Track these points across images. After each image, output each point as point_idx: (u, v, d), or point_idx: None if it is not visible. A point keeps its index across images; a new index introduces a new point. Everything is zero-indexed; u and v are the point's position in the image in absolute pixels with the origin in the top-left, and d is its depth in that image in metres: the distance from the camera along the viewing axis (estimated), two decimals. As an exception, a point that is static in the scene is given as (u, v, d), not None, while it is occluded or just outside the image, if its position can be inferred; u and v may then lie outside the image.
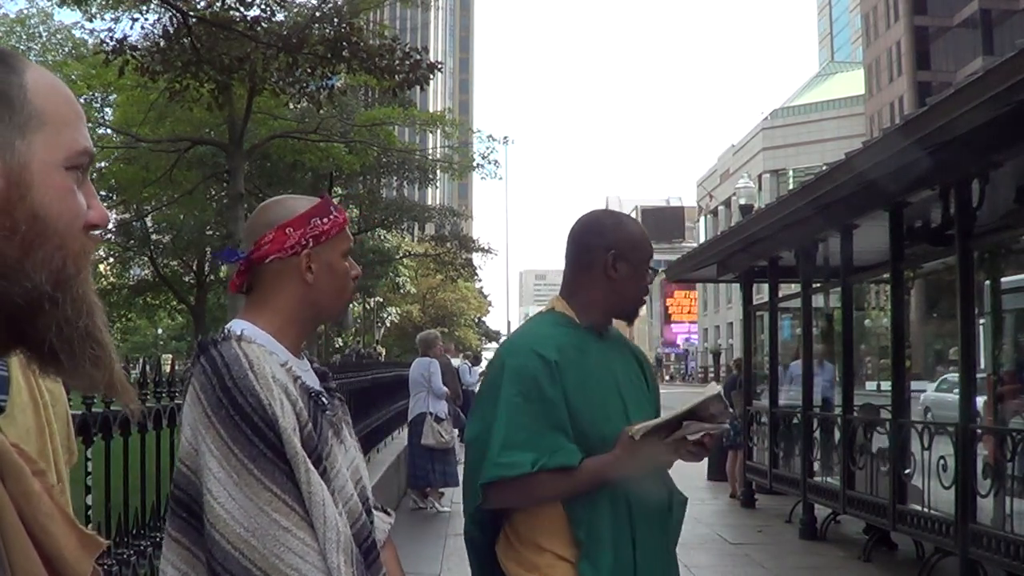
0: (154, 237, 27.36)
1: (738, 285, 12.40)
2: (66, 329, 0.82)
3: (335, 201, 1.92)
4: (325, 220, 1.80)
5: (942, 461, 6.34)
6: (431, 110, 35.35)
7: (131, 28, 23.15)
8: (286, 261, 1.77)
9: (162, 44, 14.28)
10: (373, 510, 1.85)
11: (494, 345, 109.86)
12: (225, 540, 1.54)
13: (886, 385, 7.60)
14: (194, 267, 29.28)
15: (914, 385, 8.20)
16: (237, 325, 1.74)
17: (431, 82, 15.90)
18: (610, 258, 2.32)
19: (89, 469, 2.52)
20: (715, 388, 2.21)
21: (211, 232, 26.23)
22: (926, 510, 6.57)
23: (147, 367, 3.08)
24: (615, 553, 2.20)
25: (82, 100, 16.17)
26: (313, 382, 1.79)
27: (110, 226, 22.67)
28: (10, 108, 0.82)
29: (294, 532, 1.55)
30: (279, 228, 1.77)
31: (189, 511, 1.64)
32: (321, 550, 1.57)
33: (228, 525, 1.54)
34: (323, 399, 1.76)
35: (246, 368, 1.60)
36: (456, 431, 11.66)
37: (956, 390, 6.65)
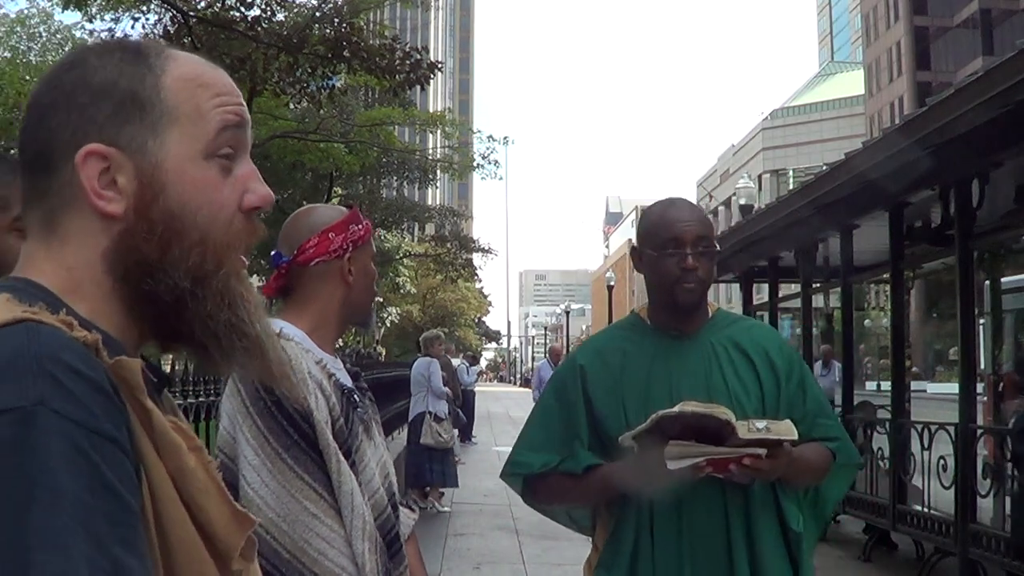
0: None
1: (738, 285, 12.41)
2: (210, 323, 0.84)
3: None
4: (360, 227, 1.93)
5: (942, 461, 6.34)
6: (431, 110, 35.31)
7: (131, 28, 23.09)
8: (329, 264, 1.88)
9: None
10: (399, 506, 1.93)
11: (494, 345, 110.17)
12: (258, 524, 1.60)
13: (886, 385, 7.59)
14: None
15: (914, 385, 8.20)
16: (276, 323, 1.82)
17: (431, 82, 15.90)
18: (635, 253, 2.33)
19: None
20: (688, 406, 1.98)
21: (211, 232, 26.22)
22: (926, 510, 6.57)
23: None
24: (634, 567, 2.15)
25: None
26: (347, 380, 1.88)
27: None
28: (141, 109, 0.84)
29: (322, 519, 1.65)
30: (322, 233, 1.88)
31: None
32: (347, 537, 1.66)
33: (261, 510, 1.63)
34: (355, 397, 1.85)
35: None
36: (456, 431, 11.67)
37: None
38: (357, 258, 1.91)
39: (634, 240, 2.40)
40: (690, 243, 2.19)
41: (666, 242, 2.21)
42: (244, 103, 0.92)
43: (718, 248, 2.29)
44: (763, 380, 2.21)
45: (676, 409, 1.99)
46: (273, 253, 1.91)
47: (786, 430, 2.04)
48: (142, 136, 0.83)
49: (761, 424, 2.02)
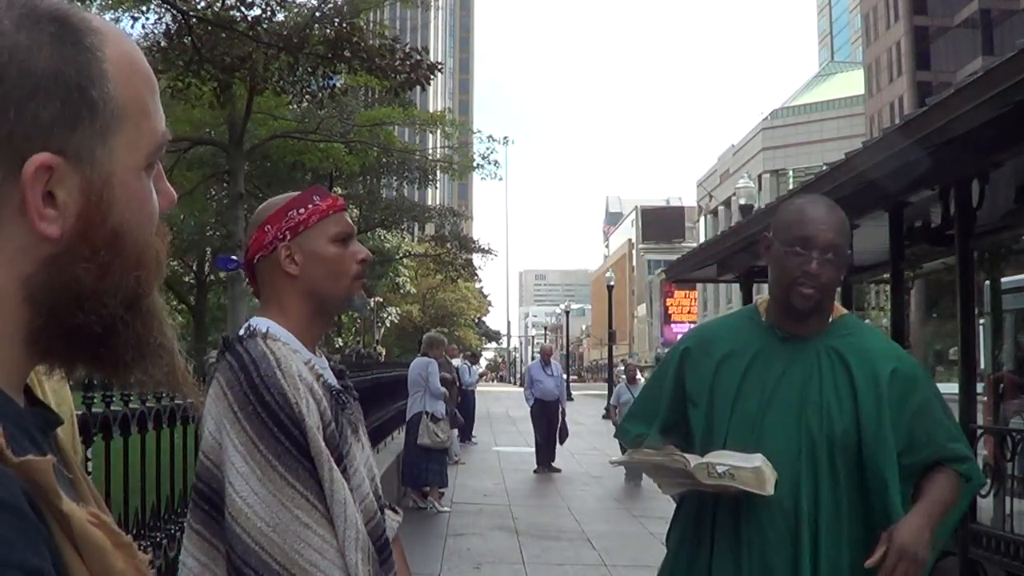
0: (154, 237, 27.31)
1: (738, 285, 12.40)
2: (139, 346, 0.74)
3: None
4: (302, 210, 1.81)
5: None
6: (431, 110, 35.37)
7: (132, 28, 23.16)
8: (269, 258, 1.80)
9: (163, 44, 14.30)
10: (384, 508, 1.89)
11: (494, 345, 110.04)
12: (246, 534, 1.57)
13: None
14: (194, 267, 29.33)
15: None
16: (262, 323, 1.76)
17: (431, 82, 15.92)
18: (765, 244, 2.25)
19: (89, 469, 2.52)
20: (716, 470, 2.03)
21: (211, 232, 26.26)
22: (926, 510, 6.56)
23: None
24: (691, 566, 2.20)
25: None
26: (333, 380, 1.82)
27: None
28: (91, 108, 0.69)
29: (314, 529, 1.58)
30: (260, 227, 1.81)
31: (211, 504, 1.66)
32: (340, 548, 1.60)
33: (249, 519, 1.56)
34: (343, 397, 1.79)
35: (274, 366, 1.64)
36: (456, 431, 11.68)
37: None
38: (302, 244, 1.79)
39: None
40: (819, 247, 2.10)
41: (795, 240, 2.13)
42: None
43: (850, 259, 2.20)
44: (860, 399, 2.09)
45: (625, 457, 2.25)
46: (220, 258, 1.88)
47: (754, 482, 1.99)
48: (91, 143, 0.68)
49: (722, 468, 2.00)
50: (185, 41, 13.77)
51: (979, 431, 6.18)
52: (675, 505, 2.35)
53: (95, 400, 2.51)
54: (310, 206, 1.82)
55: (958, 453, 2.17)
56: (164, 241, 0.77)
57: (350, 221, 1.87)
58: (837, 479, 2.06)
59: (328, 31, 14.51)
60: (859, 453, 2.07)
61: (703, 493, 2.13)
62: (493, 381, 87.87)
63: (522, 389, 16.51)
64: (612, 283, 44.06)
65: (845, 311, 2.30)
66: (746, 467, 2.01)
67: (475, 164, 26.97)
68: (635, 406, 2.49)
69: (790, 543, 2.04)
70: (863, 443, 2.07)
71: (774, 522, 2.06)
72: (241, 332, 1.74)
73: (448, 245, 33.21)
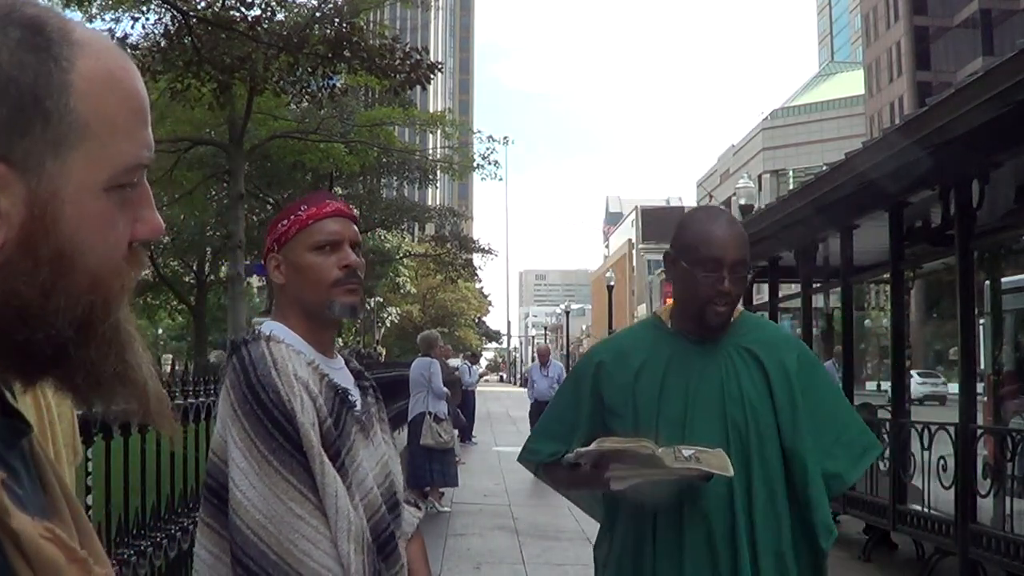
0: (154, 237, 27.31)
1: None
2: (92, 372, 0.72)
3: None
4: (286, 222, 1.90)
5: (942, 461, 6.34)
6: (431, 110, 35.37)
7: (131, 28, 23.17)
8: (268, 267, 1.93)
9: (163, 44, 14.30)
10: (402, 504, 1.94)
11: (494, 345, 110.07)
12: (245, 525, 1.65)
13: (885, 384, 7.59)
14: (194, 267, 29.35)
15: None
16: (267, 326, 1.87)
17: (431, 82, 15.93)
18: (669, 260, 2.30)
19: (89, 469, 2.52)
20: (649, 448, 2.03)
21: (211, 232, 26.27)
22: (926, 510, 6.57)
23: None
24: (630, 559, 2.20)
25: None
26: (344, 380, 1.88)
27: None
28: (45, 118, 0.67)
29: (308, 520, 1.66)
30: (266, 238, 1.95)
31: (219, 498, 1.75)
32: (333, 538, 1.67)
33: (248, 512, 1.65)
34: (351, 396, 1.85)
35: (270, 366, 1.73)
36: (456, 431, 11.67)
37: None
38: (287, 255, 1.88)
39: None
40: (729, 266, 2.16)
41: (704, 261, 2.17)
42: (149, 107, 0.75)
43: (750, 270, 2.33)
44: (775, 388, 2.18)
45: (593, 446, 2.07)
46: (255, 264, 2.00)
47: (718, 464, 2.02)
48: (40, 153, 0.66)
49: (688, 452, 2.04)
50: (185, 41, 13.78)
51: (979, 431, 6.19)
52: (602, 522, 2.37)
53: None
54: (293, 217, 1.90)
55: (846, 453, 2.23)
56: (138, 269, 0.75)
57: (338, 226, 1.89)
58: (767, 467, 2.13)
59: (328, 31, 14.51)
60: (781, 439, 2.15)
61: (640, 499, 2.14)
62: (495, 382, 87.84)
63: (522, 389, 16.48)
64: (612, 283, 44.12)
65: (741, 308, 2.36)
66: (709, 450, 2.06)
67: (475, 164, 26.93)
68: (543, 425, 2.42)
69: (730, 535, 2.10)
70: (781, 430, 2.15)
71: (713, 515, 2.11)
72: (248, 336, 1.84)
73: (448, 245, 33.22)
